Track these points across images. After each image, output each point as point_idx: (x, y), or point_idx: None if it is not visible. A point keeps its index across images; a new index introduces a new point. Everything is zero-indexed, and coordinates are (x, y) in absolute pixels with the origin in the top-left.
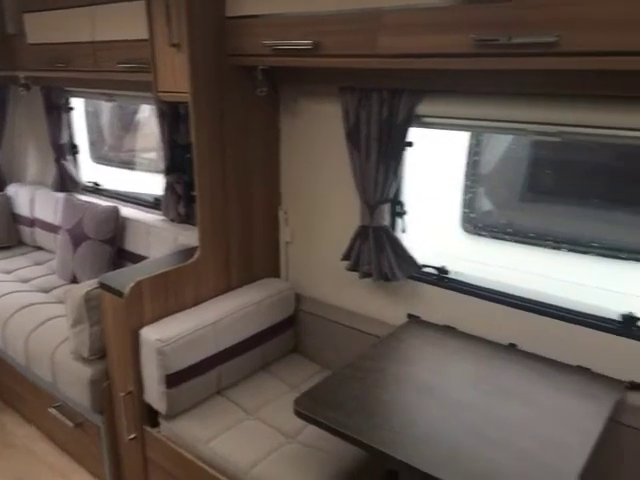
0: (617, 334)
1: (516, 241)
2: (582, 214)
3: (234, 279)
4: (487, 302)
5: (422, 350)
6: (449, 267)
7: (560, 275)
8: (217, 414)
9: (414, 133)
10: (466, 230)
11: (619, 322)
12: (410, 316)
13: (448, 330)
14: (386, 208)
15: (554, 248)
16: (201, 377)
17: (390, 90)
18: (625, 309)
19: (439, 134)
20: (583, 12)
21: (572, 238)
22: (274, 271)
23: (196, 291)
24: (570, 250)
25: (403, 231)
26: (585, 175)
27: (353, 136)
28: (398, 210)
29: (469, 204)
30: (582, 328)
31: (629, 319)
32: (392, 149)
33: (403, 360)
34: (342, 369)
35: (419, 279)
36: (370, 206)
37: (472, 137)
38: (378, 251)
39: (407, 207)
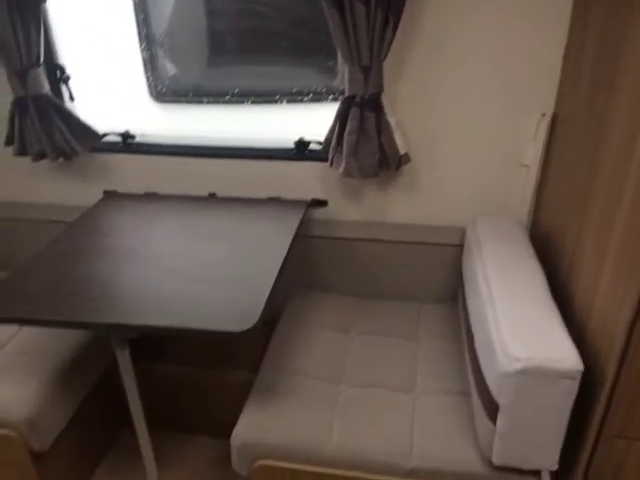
0: (294, 159)
1: (207, 102)
2: (257, 71)
3: None
4: (182, 158)
5: (121, 221)
6: (134, 131)
7: (245, 124)
8: None
9: None
10: (155, 98)
11: (293, 149)
12: (106, 192)
13: (149, 197)
14: (41, 73)
15: (238, 102)
16: None
17: None
18: (296, 137)
19: None
20: None
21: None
22: None
23: None
24: (252, 102)
25: (72, 99)
26: (255, 36)
27: None
28: (59, 76)
29: (152, 69)
30: (267, 162)
31: (301, 144)
32: (33, 2)
33: (101, 234)
34: (27, 261)
35: (106, 150)
36: (18, 72)
37: None
38: (46, 125)
39: (72, 72)
